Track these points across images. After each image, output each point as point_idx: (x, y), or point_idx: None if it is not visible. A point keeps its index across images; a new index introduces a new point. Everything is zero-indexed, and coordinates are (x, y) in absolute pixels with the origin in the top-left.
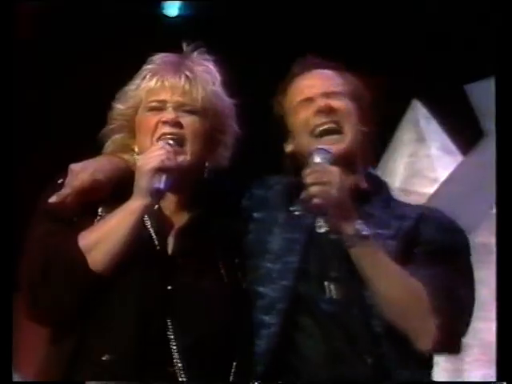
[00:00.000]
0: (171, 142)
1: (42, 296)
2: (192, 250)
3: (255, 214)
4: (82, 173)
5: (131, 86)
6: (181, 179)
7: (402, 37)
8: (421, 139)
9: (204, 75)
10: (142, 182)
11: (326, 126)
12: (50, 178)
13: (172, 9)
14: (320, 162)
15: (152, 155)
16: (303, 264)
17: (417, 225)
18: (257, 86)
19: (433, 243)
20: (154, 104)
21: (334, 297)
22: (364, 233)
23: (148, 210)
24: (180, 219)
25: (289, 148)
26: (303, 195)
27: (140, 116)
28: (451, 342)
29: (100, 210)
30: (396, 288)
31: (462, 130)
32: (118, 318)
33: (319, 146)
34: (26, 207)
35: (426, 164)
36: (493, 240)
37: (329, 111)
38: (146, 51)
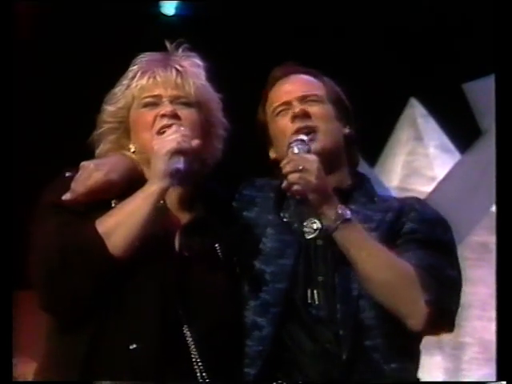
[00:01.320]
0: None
1: (61, 285)
2: (197, 246)
3: (245, 213)
4: (96, 172)
5: (120, 87)
6: (188, 170)
7: (400, 35)
8: (418, 138)
9: (192, 69)
10: (159, 165)
11: (300, 136)
12: (49, 177)
13: (169, 8)
14: (297, 152)
15: (168, 138)
16: (296, 267)
17: (399, 216)
18: (246, 83)
19: (416, 233)
20: (148, 100)
21: (320, 303)
22: (347, 216)
23: (165, 192)
24: (184, 216)
25: (272, 155)
26: (284, 184)
27: (134, 113)
28: (442, 320)
29: (113, 201)
30: (384, 268)
31: (460, 129)
32: (140, 306)
33: (297, 137)
34: (25, 207)
35: (423, 162)
36: (491, 239)
37: (303, 116)
38: (144, 51)
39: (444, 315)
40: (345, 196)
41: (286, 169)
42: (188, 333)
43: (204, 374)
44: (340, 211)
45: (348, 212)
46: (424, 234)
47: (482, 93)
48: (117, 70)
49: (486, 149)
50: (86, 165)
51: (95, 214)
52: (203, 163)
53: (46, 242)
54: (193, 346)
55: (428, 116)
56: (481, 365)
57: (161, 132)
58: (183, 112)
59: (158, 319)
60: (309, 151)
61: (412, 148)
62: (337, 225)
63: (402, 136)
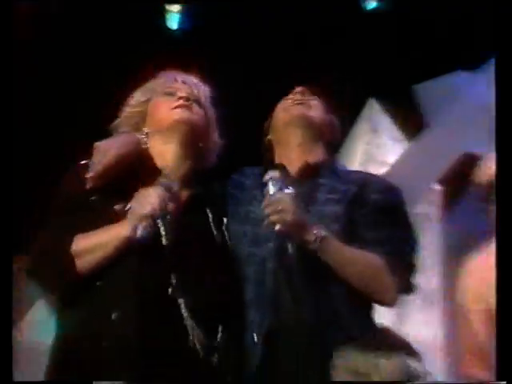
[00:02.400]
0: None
1: (40, 277)
2: (192, 218)
3: (234, 191)
4: (109, 149)
5: (147, 85)
6: (190, 143)
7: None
8: (374, 130)
9: (201, 84)
10: (132, 221)
11: (270, 174)
12: (49, 177)
13: (173, 21)
14: (274, 192)
15: (147, 201)
16: None
17: (361, 189)
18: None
19: (375, 203)
20: (168, 90)
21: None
22: (322, 234)
23: (131, 242)
24: (184, 194)
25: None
26: (265, 223)
27: (154, 100)
28: (407, 291)
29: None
30: (360, 269)
31: (408, 123)
32: (122, 278)
33: (270, 175)
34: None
35: (378, 151)
36: (431, 210)
37: (301, 93)
38: (144, 53)
39: (408, 284)
40: (317, 170)
41: (266, 211)
42: (183, 304)
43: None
44: (316, 232)
45: (322, 231)
46: (384, 200)
47: (428, 93)
48: (116, 72)
49: (429, 139)
50: (99, 144)
51: (101, 202)
52: (204, 157)
53: (40, 238)
54: (186, 313)
55: (383, 112)
56: (421, 310)
57: (175, 107)
58: (194, 106)
59: (140, 286)
60: (281, 189)
61: (369, 139)
62: (317, 245)
63: (361, 129)
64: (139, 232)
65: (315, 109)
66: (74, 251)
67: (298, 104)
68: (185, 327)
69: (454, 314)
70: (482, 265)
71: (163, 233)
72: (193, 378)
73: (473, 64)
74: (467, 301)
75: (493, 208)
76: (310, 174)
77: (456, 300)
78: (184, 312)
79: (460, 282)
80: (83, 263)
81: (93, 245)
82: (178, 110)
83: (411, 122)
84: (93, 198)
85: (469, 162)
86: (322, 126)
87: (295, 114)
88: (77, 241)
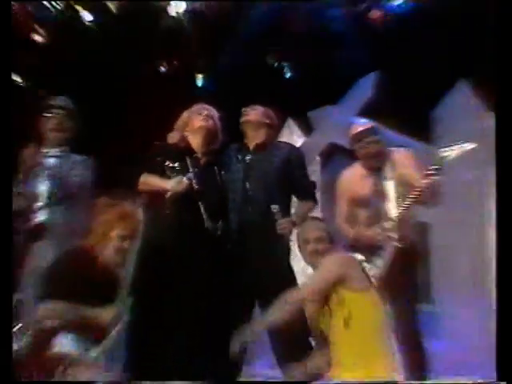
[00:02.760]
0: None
1: None
2: (208, 173)
3: (225, 158)
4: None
5: (189, 109)
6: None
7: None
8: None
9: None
10: (178, 179)
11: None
12: None
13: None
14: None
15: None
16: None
17: (287, 157)
18: None
19: (294, 161)
20: (198, 111)
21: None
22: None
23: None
24: (203, 160)
25: None
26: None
27: (191, 117)
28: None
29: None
30: None
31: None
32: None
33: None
34: None
35: None
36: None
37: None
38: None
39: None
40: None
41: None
42: (204, 212)
43: None
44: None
45: None
46: (297, 162)
47: (321, 118)
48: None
49: (318, 139)
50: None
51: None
52: (214, 143)
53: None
54: (206, 217)
55: (298, 129)
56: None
57: (201, 120)
58: (210, 120)
59: None
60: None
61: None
62: None
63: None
64: (183, 184)
65: (257, 113)
66: (141, 180)
67: (252, 110)
68: (203, 221)
69: None
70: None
71: (194, 182)
72: (208, 244)
73: None
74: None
75: None
76: (260, 149)
77: None
78: (204, 215)
79: None
80: (143, 187)
81: (152, 181)
82: (202, 121)
83: (309, 134)
84: (159, 158)
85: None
86: (262, 121)
87: (248, 118)
88: (144, 176)
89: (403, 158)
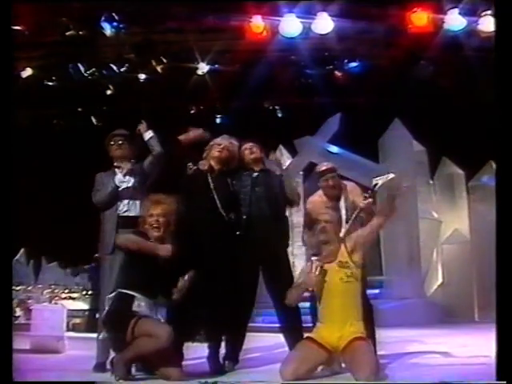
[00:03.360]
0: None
1: None
2: (221, 180)
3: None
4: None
5: (210, 142)
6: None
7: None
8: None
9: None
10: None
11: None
12: (48, 176)
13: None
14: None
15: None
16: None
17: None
18: None
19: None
20: (216, 143)
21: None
22: None
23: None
24: (217, 169)
25: None
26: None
27: (211, 147)
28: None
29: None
30: None
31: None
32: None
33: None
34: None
35: None
36: None
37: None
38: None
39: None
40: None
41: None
42: (218, 202)
43: None
44: None
45: None
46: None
47: (303, 146)
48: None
49: (301, 160)
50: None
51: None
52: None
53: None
54: (220, 205)
55: (285, 152)
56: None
57: (217, 151)
58: (225, 150)
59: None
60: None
61: None
62: None
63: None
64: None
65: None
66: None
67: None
68: (217, 208)
69: None
70: None
71: (212, 185)
72: (222, 226)
73: None
74: None
75: None
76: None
77: None
78: (218, 204)
79: None
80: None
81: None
82: (218, 152)
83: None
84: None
85: None
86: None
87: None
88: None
89: (353, 188)
